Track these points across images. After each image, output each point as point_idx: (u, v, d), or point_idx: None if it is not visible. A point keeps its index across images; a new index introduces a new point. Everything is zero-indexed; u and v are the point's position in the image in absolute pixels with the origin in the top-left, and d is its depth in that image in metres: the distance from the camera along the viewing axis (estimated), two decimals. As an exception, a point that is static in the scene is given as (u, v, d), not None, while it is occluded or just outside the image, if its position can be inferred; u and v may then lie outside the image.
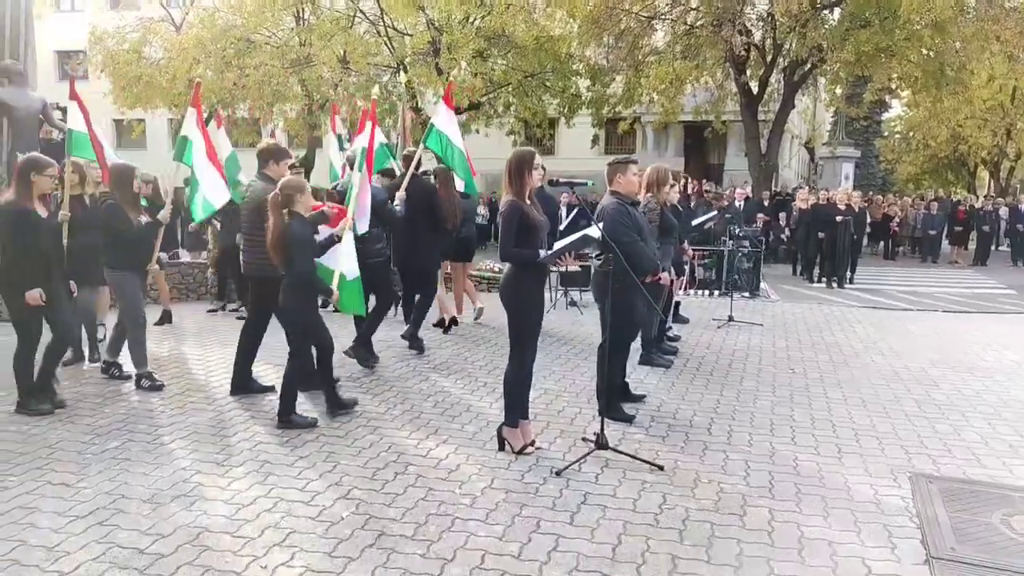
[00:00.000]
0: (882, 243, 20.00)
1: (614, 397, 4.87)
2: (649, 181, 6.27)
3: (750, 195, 18.89)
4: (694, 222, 8.74)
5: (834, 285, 12.88)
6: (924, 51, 14.91)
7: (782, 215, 16.21)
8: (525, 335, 4.16)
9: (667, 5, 19.02)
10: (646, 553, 3.10)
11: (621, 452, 4.12)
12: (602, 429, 4.13)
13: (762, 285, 12.32)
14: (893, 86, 17.78)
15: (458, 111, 21.01)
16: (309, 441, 4.36)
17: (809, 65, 18.35)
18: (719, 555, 3.09)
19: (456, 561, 3.02)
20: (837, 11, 17.42)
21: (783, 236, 16.07)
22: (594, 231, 4.04)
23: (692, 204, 10.42)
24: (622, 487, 3.76)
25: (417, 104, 20.93)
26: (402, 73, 11.75)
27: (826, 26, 16.52)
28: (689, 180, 8.73)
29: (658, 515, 3.45)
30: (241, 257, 5.52)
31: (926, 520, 3.41)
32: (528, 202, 4.10)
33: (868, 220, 19.08)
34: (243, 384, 5.29)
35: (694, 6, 18.50)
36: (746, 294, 11.00)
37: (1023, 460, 4.25)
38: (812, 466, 4.09)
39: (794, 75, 19.07)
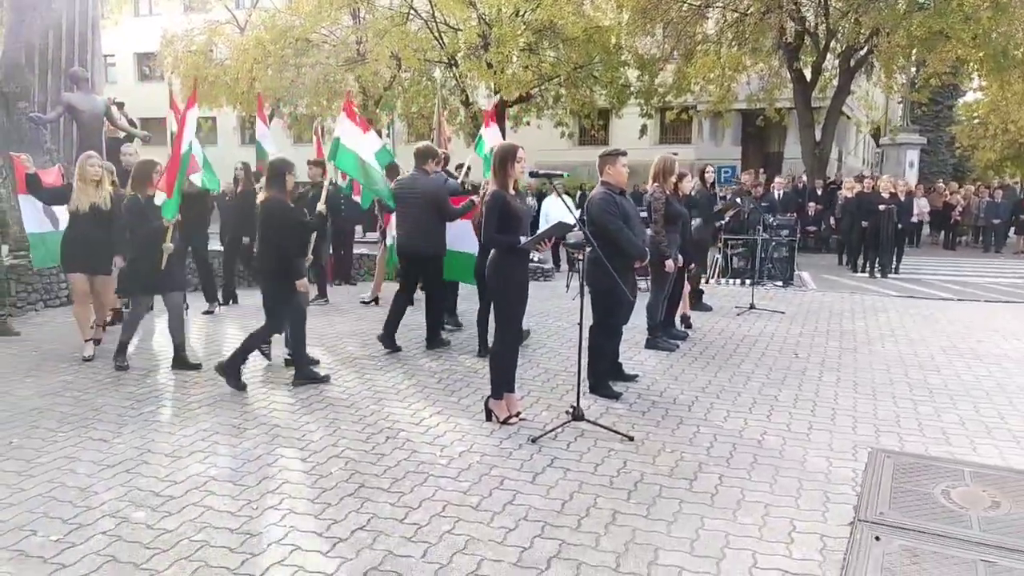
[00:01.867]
0: (943, 233, 19.36)
1: (602, 375, 5.18)
2: (656, 171, 6.51)
3: (801, 183, 18.66)
4: (715, 209, 8.91)
5: (877, 275, 12.70)
6: (980, 33, 14.37)
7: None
8: (509, 314, 4.51)
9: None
10: (591, 508, 3.43)
11: (595, 423, 4.44)
12: (578, 402, 4.46)
13: (799, 274, 12.29)
14: (949, 70, 17.16)
15: (510, 104, 21.53)
16: (318, 410, 4.84)
17: (866, 49, 17.93)
18: (658, 512, 3.39)
19: (420, 509, 3.42)
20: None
21: (830, 225, 15.84)
22: (569, 219, 4.35)
23: (721, 194, 10.48)
24: (589, 454, 4.08)
25: (468, 98, 21.44)
26: (437, 71, 12.10)
27: (883, 9, 16.10)
28: (706, 171, 8.81)
29: (614, 478, 3.76)
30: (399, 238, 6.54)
31: (867, 489, 3.60)
32: (512, 192, 4.45)
33: (928, 208, 18.61)
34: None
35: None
36: (779, 283, 11.02)
37: (994, 440, 4.35)
38: (778, 440, 4.31)
39: (850, 61, 18.66)
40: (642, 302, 6.18)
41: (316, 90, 19.39)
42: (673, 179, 6.56)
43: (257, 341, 5.45)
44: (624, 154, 5.18)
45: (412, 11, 20.24)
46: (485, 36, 19.59)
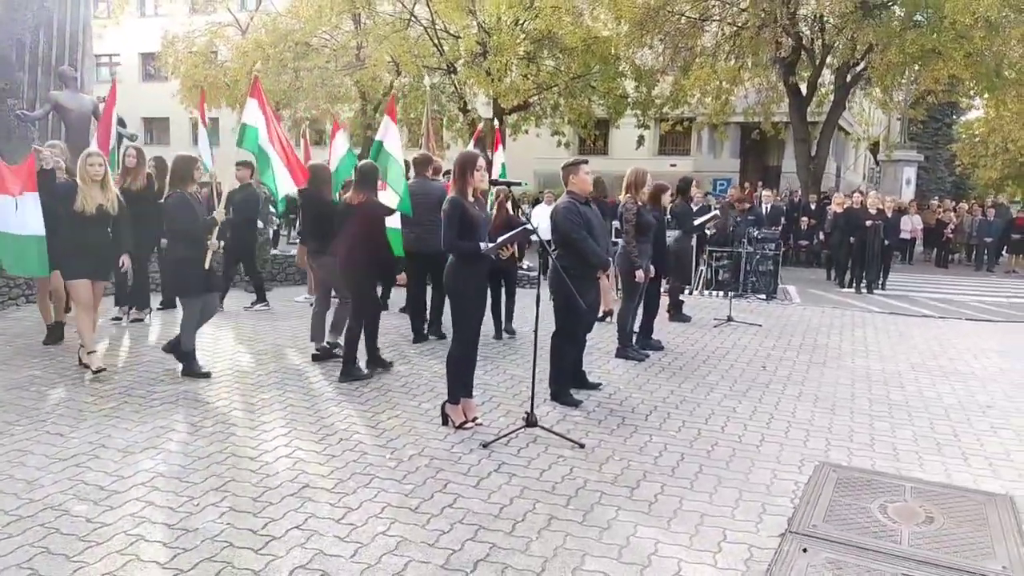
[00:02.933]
0: (935, 250, 19.37)
1: (563, 383, 5.22)
2: (628, 183, 6.57)
3: (797, 197, 18.73)
4: (696, 222, 8.97)
5: (863, 290, 12.73)
6: (973, 52, 14.43)
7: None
8: (466, 318, 4.56)
9: (715, 6, 18.99)
10: (529, 513, 3.46)
11: (548, 430, 4.47)
12: (532, 408, 4.50)
13: (784, 288, 12.32)
14: (944, 88, 17.23)
15: (508, 111, 21.68)
16: (277, 411, 4.88)
17: (863, 65, 18.01)
18: (594, 518, 3.42)
19: (359, 510, 3.46)
20: (892, 10, 17.06)
21: (820, 239, 15.88)
22: (531, 226, 4.41)
23: (696, 207, 10.51)
24: (538, 460, 4.12)
25: (466, 105, 21.55)
26: (427, 77, 12.21)
27: (877, 26, 16.17)
28: (694, 184, 8.89)
29: (557, 484, 3.80)
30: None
31: (805, 502, 3.64)
32: (471, 199, 4.50)
33: (921, 226, 18.65)
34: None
35: (743, 7, 18.42)
36: (762, 296, 11.05)
37: (942, 457, 4.38)
38: (727, 451, 4.34)
39: (846, 76, 18.75)
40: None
41: (314, 93, 19.51)
42: (646, 190, 6.62)
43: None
44: (585, 162, 5.26)
45: (412, 18, 20.38)
46: (484, 44, 19.72)
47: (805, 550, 3.14)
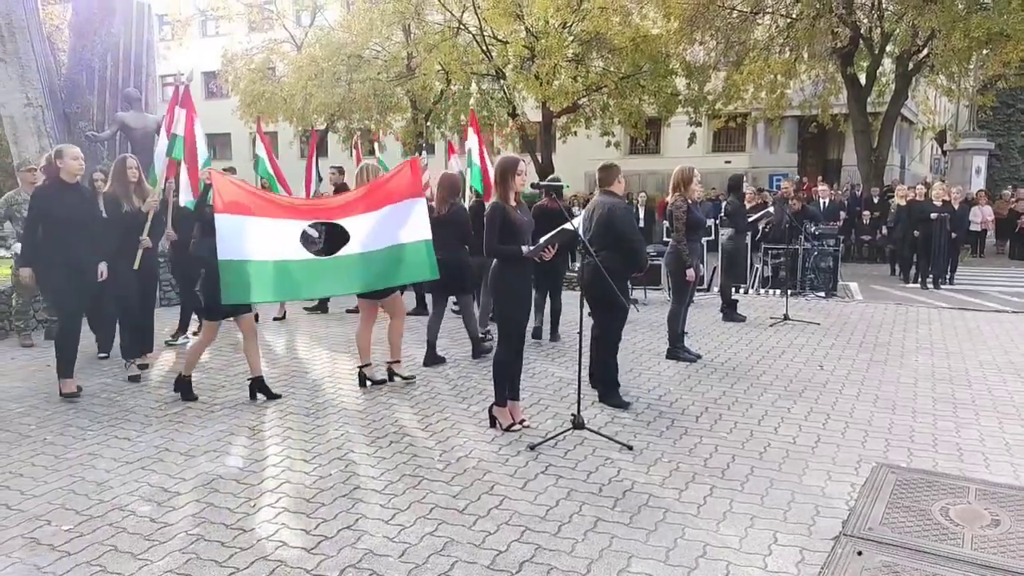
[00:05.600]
0: (1008, 242, 18.47)
1: (610, 384, 5.20)
2: (676, 181, 6.51)
3: (859, 191, 18.17)
4: (750, 219, 8.81)
5: (929, 286, 12.23)
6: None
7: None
8: (510, 322, 4.59)
9: (768, -2, 18.58)
10: (575, 515, 3.46)
11: (596, 432, 4.46)
12: (578, 410, 4.50)
13: (845, 284, 11.96)
14: (1014, 72, 16.37)
15: (557, 114, 21.69)
16: (331, 415, 5.01)
17: (925, 52, 17.32)
18: (641, 520, 3.40)
19: (408, 511, 3.52)
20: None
21: (884, 234, 15.34)
22: (569, 225, 4.41)
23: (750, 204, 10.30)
24: (585, 462, 4.11)
25: (515, 110, 21.64)
26: (474, 84, 12.30)
27: (940, 11, 15.52)
28: (743, 181, 8.74)
29: (605, 486, 3.79)
30: None
31: (861, 504, 3.53)
32: (513, 204, 4.54)
33: (992, 217, 17.87)
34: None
35: (797, -2, 17.96)
36: (821, 294, 10.75)
37: (1011, 458, 4.18)
38: (780, 453, 4.25)
39: (907, 64, 18.06)
40: (657, 313, 6.17)
41: (367, 104, 19.90)
42: (693, 186, 6.54)
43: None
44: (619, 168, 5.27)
45: (461, 26, 20.58)
46: (532, 48, 19.76)
47: (860, 553, 3.05)
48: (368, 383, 5.65)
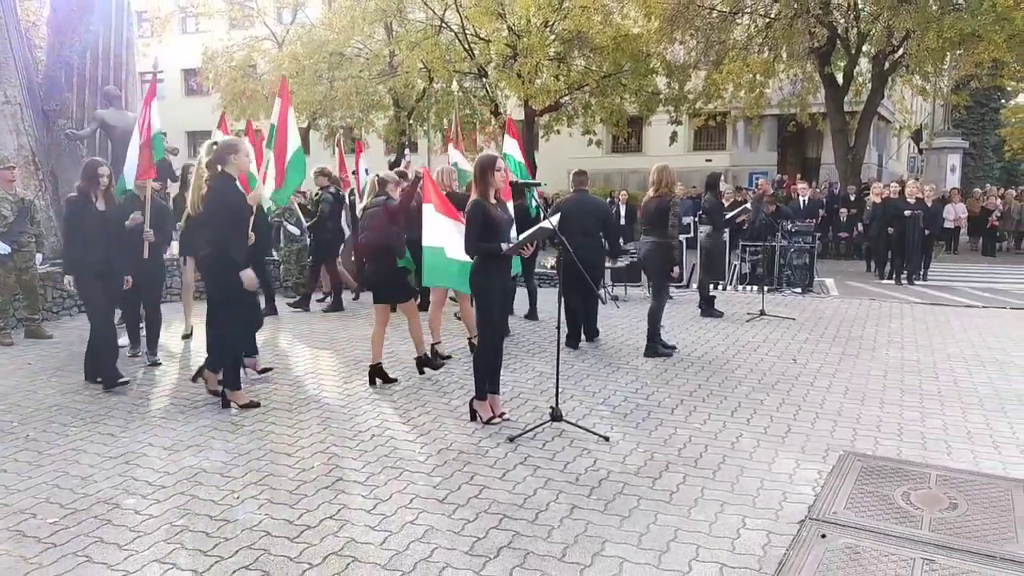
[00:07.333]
0: (981, 239, 18.86)
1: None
2: (661, 180, 6.59)
3: (837, 188, 18.45)
4: (727, 216, 8.96)
5: (903, 282, 12.49)
6: (1015, 34, 14.00)
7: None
8: (491, 318, 4.68)
9: (747, -2, 18.79)
10: (552, 503, 3.57)
11: (574, 424, 4.57)
12: (556, 402, 4.61)
13: (821, 281, 12.17)
14: (986, 72, 16.74)
15: (539, 113, 21.81)
16: (313, 410, 5.08)
17: (900, 52, 17.62)
18: (615, 508, 3.51)
19: (389, 501, 3.61)
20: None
21: (860, 231, 15.62)
22: (547, 224, 4.51)
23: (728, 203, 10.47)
24: (563, 453, 4.22)
25: (497, 108, 21.72)
26: (455, 83, 12.37)
27: (914, 12, 15.80)
28: (721, 180, 8.89)
29: (581, 475, 3.90)
30: None
31: (828, 490, 3.67)
32: (493, 202, 4.63)
33: (965, 214, 18.23)
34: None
35: (775, -1, 18.19)
36: (798, 290, 10.94)
37: (972, 445, 4.34)
38: (751, 442, 4.38)
39: (883, 64, 18.36)
40: (637, 309, 6.30)
41: (349, 103, 19.88)
42: (676, 187, 6.67)
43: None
44: None
45: (443, 24, 20.62)
46: (514, 47, 19.84)
47: (824, 536, 3.18)
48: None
